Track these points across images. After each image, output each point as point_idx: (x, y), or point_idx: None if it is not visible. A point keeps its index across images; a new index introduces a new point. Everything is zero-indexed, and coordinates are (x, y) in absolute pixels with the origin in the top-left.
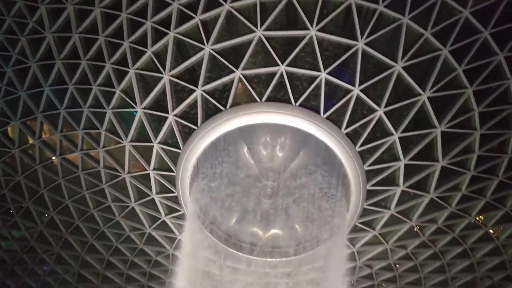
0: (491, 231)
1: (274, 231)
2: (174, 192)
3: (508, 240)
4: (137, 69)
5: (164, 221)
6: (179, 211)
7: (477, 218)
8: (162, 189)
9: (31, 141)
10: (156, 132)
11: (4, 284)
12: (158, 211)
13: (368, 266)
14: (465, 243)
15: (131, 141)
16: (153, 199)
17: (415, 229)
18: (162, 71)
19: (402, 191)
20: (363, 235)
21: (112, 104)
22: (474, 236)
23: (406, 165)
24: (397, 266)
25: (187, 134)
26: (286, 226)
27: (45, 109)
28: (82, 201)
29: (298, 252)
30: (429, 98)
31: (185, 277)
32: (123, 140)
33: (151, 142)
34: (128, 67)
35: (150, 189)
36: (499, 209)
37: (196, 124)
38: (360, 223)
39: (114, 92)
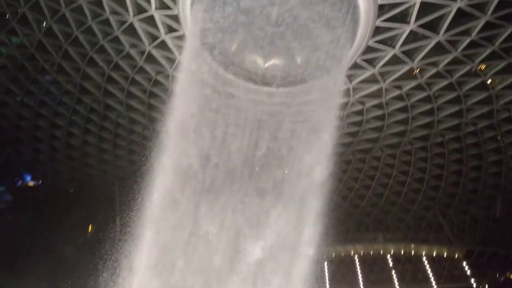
0: (488, 81)
1: (274, 61)
2: (174, 9)
3: (503, 91)
4: None
5: (163, 41)
6: (179, 31)
7: (479, 67)
8: (162, 5)
9: None
10: None
11: (8, 89)
12: (158, 29)
13: (360, 103)
14: (460, 89)
15: None
16: (152, 15)
17: (414, 72)
18: None
19: (411, 31)
20: (361, 73)
21: None
22: (470, 84)
23: (422, 3)
24: (388, 105)
25: None
26: (287, 56)
27: None
28: (79, 11)
29: (295, 83)
30: None
31: (183, 99)
32: None
33: None
34: None
35: (149, 3)
36: (504, 59)
37: None
38: (362, 60)
39: None
